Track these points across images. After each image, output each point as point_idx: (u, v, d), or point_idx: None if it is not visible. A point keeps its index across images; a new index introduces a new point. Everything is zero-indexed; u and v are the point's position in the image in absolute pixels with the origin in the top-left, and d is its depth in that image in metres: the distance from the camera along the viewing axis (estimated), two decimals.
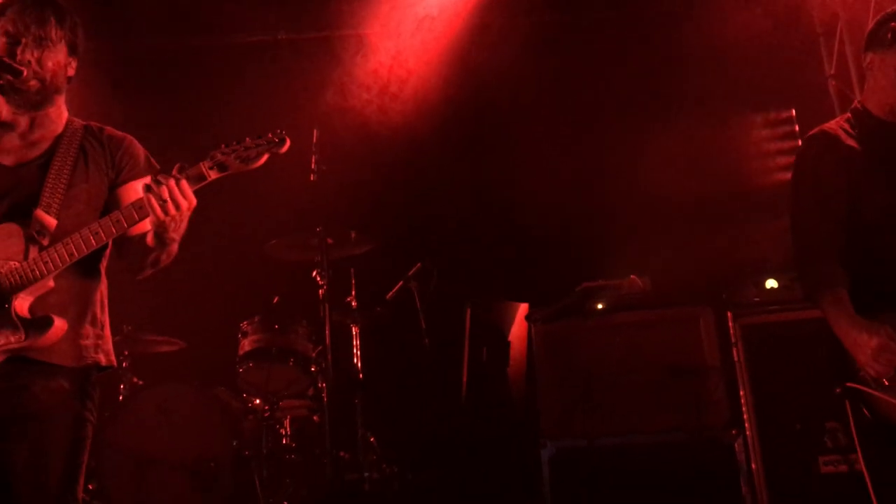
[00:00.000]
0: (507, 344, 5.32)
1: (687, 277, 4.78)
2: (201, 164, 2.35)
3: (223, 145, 2.38)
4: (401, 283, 5.18)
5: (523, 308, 5.28)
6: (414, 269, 5.20)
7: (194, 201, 2.33)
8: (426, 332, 5.13)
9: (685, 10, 5.59)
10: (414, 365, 5.29)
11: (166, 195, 2.25)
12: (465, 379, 5.16)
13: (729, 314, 4.41)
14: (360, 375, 5.06)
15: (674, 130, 5.54)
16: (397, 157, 5.77)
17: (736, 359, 4.34)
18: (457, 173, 5.86)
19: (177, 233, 2.37)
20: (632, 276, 4.79)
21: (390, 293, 5.20)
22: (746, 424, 4.25)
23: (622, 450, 4.28)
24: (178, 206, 2.28)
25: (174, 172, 2.31)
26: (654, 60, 5.76)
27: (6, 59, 2.36)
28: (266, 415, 4.88)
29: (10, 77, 2.37)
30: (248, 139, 2.39)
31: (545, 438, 4.41)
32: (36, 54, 2.42)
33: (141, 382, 5.12)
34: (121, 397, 4.97)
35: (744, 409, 4.28)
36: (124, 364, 5.03)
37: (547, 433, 4.44)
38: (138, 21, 5.84)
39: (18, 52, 2.40)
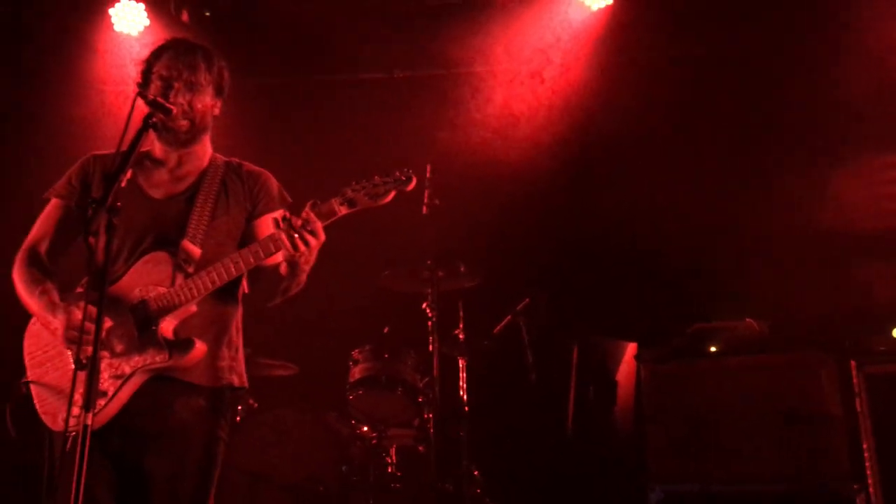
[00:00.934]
0: (615, 384, 5.25)
1: (808, 323, 4.62)
2: (332, 200, 2.48)
3: (353, 182, 2.50)
4: (509, 317, 5.20)
5: (632, 348, 5.21)
6: (522, 305, 5.21)
7: (323, 237, 2.45)
8: (533, 368, 5.12)
9: (807, 50, 5.47)
10: (520, 400, 5.29)
11: (295, 233, 2.38)
12: (570, 416, 5.12)
13: (852, 363, 4.22)
14: (466, 408, 5.09)
15: (798, 168, 5.39)
16: (509, 192, 5.83)
17: (859, 409, 4.15)
18: (568, 210, 5.87)
19: (307, 265, 2.51)
20: (747, 319, 4.67)
21: (498, 327, 5.22)
22: (869, 479, 4.04)
23: (733, 497, 4.15)
24: (307, 243, 2.41)
25: (307, 209, 2.44)
26: (775, 98, 5.64)
27: (159, 99, 2.56)
28: (373, 442, 4.97)
29: (162, 116, 2.56)
30: (376, 177, 2.50)
31: (653, 481, 4.32)
32: (187, 97, 2.62)
33: (256, 405, 5.31)
34: (238, 418, 5.16)
35: (867, 462, 4.08)
36: None
37: (655, 476, 4.35)
38: (262, 59, 6.18)
39: (171, 95, 2.60)
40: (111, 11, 5.81)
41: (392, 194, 2.50)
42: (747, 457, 4.20)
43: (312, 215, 2.43)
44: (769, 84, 5.73)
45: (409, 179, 2.51)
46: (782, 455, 4.16)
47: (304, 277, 2.58)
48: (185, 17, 5.70)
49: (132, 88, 2.68)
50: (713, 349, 4.63)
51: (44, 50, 5.83)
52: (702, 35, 5.83)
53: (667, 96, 5.82)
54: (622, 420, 5.12)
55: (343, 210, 2.48)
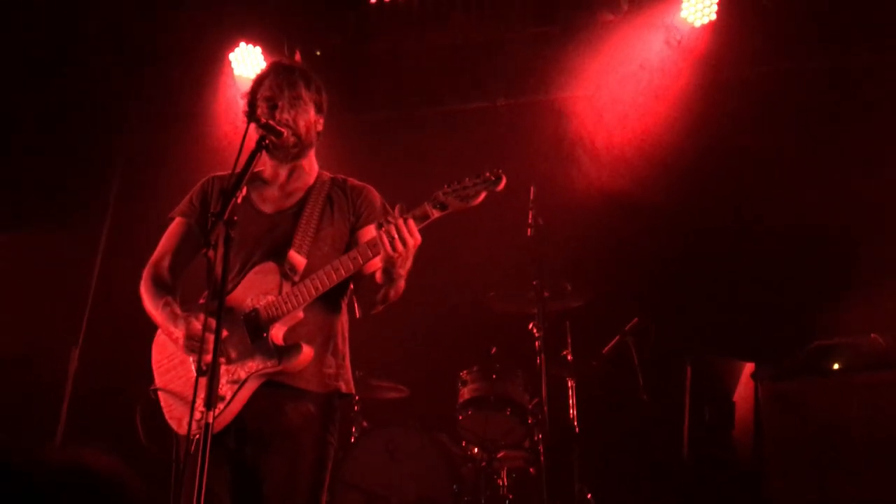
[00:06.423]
0: (732, 404, 5.08)
1: None
2: (425, 204, 2.57)
3: (445, 185, 2.59)
4: (617, 337, 5.14)
5: (749, 367, 5.03)
6: (631, 324, 5.14)
7: (419, 239, 2.54)
8: (644, 388, 5.03)
9: None
10: (632, 421, 5.19)
11: (394, 232, 2.48)
12: (686, 438, 4.98)
13: None
14: (577, 429, 5.04)
15: None
16: (616, 210, 5.80)
17: None
18: (680, 226, 5.75)
19: (403, 269, 2.59)
20: (872, 335, 4.43)
21: (606, 347, 5.16)
22: None
23: None
24: (404, 243, 2.49)
25: (396, 212, 2.54)
26: None
27: (271, 122, 2.74)
28: (483, 464, 4.99)
29: (273, 138, 2.74)
30: (467, 179, 2.58)
31: (774, 502, 4.14)
32: (291, 114, 2.81)
33: (367, 425, 5.43)
34: (352, 438, 5.31)
35: None
36: (355, 408, 5.38)
37: (776, 497, 4.17)
38: (369, 94, 6.44)
39: (276, 113, 2.79)
40: (231, 56, 6.22)
41: (482, 195, 2.56)
42: (872, 479, 3.97)
43: (409, 217, 2.51)
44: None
45: (498, 179, 2.56)
46: None
47: (402, 284, 2.67)
48: (297, 56, 6.03)
49: (241, 118, 2.88)
50: (836, 366, 4.42)
51: (171, 93, 6.31)
52: (807, 47, 5.67)
53: (779, 110, 5.67)
54: (740, 441, 4.93)
55: (435, 213, 2.56)
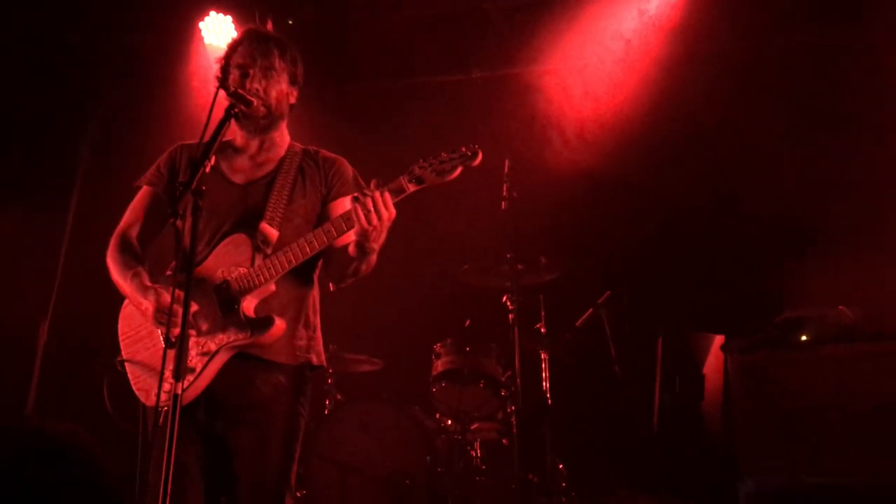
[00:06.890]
0: (702, 376, 5.14)
1: None
2: (401, 178, 2.55)
3: (421, 160, 2.56)
4: (590, 310, 5.17)
5: (719, 340, 5.09)
6: (604, 297, 5.17)
7: (394, 213, 2.51)
8: (616, 360, 5.08)
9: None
10: (604, 393, 5.25)
11: (370, 206, 2.45)
12: (656, 409, 5.04)
13: None
14: (549, 401, 5.08)
15: (890, 154, 5.17)
16: (590, 184, 5.81)
17: None
18: (651, 200, 5.79)
19: (377, 242, 2.56)
20: (840, 307, 4.50)
21: (580, 320, 5.20)
22: None
23: (825, 490, 4.00)
24: (379, 216, 2.47)
25: (372, 186, 2.52)
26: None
27: (240, 91, 2.68)
28: (457, 436, 5.02)
29: (243, 107, 2.68)
30: (443, 153, 2.56)
31: (743, 474, 4.21)
32: (262, 83, 2.75)
33: (342, 398, 5.44)
34: (326, 411, 5.32)
35: None
36: (329, 381, 5.38)
37: (745, 468, 4.24)
38: (343, 65, 6.37)
39: (247, 82, 2.73)
40: (201, 25, 6.11)
41: (458, 170, 2.55)
42: (838, 448, 4.04)
43: (384, 190, 2.49)
44: (865, 69, 5.52)
45: (474, 154, 2.55)
46: (877, 447, 3.99)
47: (374, 258, 2.64)
48: (269, 26, 5.92)
49: (213, 83, 2.80)
50: (804, 338, 4.48)
51: (142, 63, 6.20)
52: (783, 20, 5.67)
53: (754, 85, 5.69)
54: (710, 412, 5.01)
55: (411, 187, 2.54)
